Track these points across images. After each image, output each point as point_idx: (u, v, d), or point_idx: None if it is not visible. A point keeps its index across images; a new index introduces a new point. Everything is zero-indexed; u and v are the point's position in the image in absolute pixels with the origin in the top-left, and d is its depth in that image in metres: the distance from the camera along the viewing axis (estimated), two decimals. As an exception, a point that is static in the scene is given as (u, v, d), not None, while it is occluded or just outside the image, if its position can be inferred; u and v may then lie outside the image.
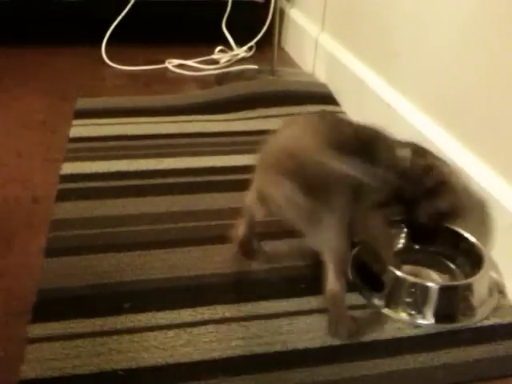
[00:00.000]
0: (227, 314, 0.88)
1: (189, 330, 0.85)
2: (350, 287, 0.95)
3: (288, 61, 2.08)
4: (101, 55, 1.94)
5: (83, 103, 1.61)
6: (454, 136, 1.12)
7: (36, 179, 1.24)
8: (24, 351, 0.80)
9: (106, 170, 1.27)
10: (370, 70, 1.49)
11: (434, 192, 0.96)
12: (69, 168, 1.27)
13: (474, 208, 1.02)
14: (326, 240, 0.88)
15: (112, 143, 1.39)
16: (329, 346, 0.84)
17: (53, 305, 0.89)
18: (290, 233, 0.94)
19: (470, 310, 0.90)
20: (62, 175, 1.24)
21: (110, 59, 1.93)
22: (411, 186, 0.94)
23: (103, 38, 1.96)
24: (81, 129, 1.46)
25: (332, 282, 0.86)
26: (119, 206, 1.14)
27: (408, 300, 0.89)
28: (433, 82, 1.20)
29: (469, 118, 1.08)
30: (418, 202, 0.96)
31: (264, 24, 1.95)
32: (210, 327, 0.86)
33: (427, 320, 0.89)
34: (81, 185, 1.21)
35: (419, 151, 0.98)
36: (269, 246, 1.05)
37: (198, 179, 1.25)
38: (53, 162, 1.29)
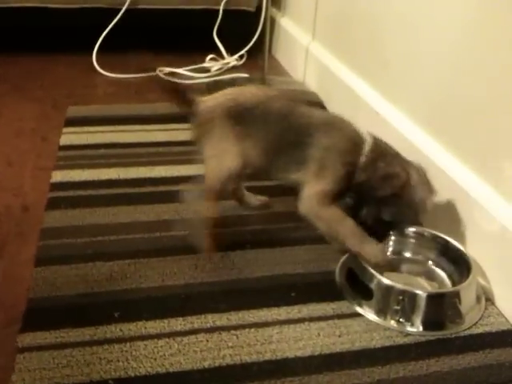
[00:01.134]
0: (217, 323, 0.89)
1: (179, 339, 0.85)
2: (339, 295, 0.96)
3: (279, 69, 2.09)
4: (92, 63, 1.94)
5: (74, 111, 1.61)
6: (443, 144, 1.13)
7: (26, 187, 1.24)
8: (14, 361, 0.80)
9: (96, 178, 1.27)
10: (361, 78, 1.50)
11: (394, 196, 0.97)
12: (59, 176, 1.27)
13: (462, 216, 1.03)
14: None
15: (102, 151, 1.40)
16: (319, 354, 0.84)
17: (43, 314, 0.88)
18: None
19: (458, 317, 0.90)
20: (52, 183, 1.24)
21: (101, 67, 1.93)
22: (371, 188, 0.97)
23: (94, 46, 1.96)
24: (71, 137, 1.46)
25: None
26: (109, 214, 1.14)
27: (397, 308, 0.90)
28: (422, 90, 1.22)
29: (458, 126, 1.09)
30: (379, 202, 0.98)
31: (255, 33, 1.96)
32: (200, 336, 0.86)
33: (416, 327, 0.89)
34: (71, 193, 1.21)
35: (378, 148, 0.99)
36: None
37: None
38: (43, 170, 1.29)
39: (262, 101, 1.00)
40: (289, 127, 0.98)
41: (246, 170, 1.03)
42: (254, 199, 1.19)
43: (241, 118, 0.99)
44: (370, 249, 0.96)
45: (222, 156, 1.00)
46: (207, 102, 1.03)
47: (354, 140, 0.99)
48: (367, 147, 0.98)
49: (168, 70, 1.93)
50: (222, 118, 1.00)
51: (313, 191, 0.97)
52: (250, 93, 1.03)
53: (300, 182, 0.99)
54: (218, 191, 1.01)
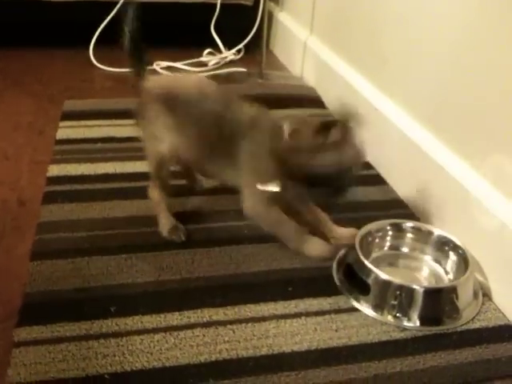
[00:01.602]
0: (214, 318, 0.88)
1: (175, 333, 0.85)
2: (336, 290, 0.96)
3: (276, 64, 2.08)
4: (89, 57, 1.94)
5: (71, 105, 1.60)
6: (443, 141, 1.12)
7: (23, 181, 1.23)
8: (10, 355, 0.79)
9: (92, 173, 1.26)
10: (359, 73, 1.50)
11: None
12: (55, 170, 1.26)
13: (461, 212, 1.03)
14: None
15: (99, 145, 1.39)
16: (315, 349, 0.84)
17: (39, 308, 0.88)
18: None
19: (455, 312, 0.90)
20: (48, 177, 1.23)
21: (98, 61, 1.92)
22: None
23: (91, 40, 1.95)
24: (68, 131, 1.45)
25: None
26: (106, 208, 1.14)
27: (394, 303, 0.90)
28: (422, 86, 1.21)
29: (457, 123, 1.08)
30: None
31: (253, 27, 1.96)
32: (197, 331, 0.86)
33: (413, 323, 0.89)
34: (67, 187, 1.20)
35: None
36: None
37: (186, 181, 1.25)
38: (40, 164, 1.29)
39: (195, 94, 1.02)
40: (220, 126, 0.99)
41: (179, 157, 1.06)
42: (205, 182, 1.22)
43: (172, 107, 1.01)
44: (311, 245, 1.00)
45: (155, 140, 1.04)
46: (150, 82, 1.07)
47: (278, 132, 0.94)
48: (289, 132, 0.93)
49: (165, 63, 1.93)
50: (155, 103, 1.03)
51: (252, 194, 0.99)
52: (187, 83, 1.07)
53: (237, 184, 1.01)
54: (156, 173, 1.06)
